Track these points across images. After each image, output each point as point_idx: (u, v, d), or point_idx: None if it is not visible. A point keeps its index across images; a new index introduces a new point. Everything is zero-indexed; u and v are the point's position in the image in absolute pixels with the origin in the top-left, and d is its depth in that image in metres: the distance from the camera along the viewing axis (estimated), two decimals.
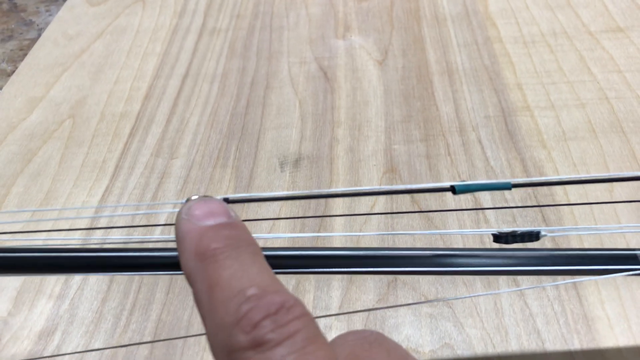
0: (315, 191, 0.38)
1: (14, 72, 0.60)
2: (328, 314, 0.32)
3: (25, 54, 0.63)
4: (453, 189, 0.23)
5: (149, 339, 0.32)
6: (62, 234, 0.37)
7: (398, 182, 0.39)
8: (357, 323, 0.32)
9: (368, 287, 0.34)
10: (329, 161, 0.42)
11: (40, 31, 0.67)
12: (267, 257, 0.25)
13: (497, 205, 0.37)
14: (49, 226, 0.39)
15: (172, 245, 0.26)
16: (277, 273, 0.27)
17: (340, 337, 0.19)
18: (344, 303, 0.33)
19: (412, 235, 0.35)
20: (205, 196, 0.22)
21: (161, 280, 0.35)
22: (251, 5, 0.62)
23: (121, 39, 0.59)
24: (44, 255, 0.25)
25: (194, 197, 0.23)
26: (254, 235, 0.21)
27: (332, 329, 0.32)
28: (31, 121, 0.49)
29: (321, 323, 0.32)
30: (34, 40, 0.65)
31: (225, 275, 0.18)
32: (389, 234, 0.35)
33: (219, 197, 0.25)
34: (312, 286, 0.34)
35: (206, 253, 0.18)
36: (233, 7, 0.62)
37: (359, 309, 0.33)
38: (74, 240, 0.37)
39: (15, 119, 0.50)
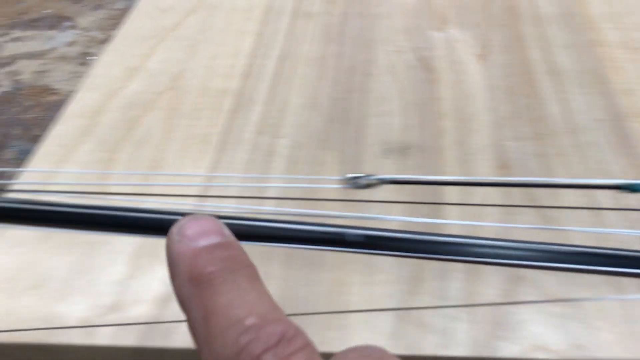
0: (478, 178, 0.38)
1: (105, 40, 0.61)
2: (450, 304, 0.32)
3: (115, 23, 0.63)
4: (631, 188, 0.23)
5: None
6: (175, 199, 0.38)
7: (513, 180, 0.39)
8: (482, 316, 0.32)
9: (489, 281, 0.33)
10: (438, 152, 0.42)
11: (128, 2, 0.67)
12: (380, 239, 0.25)
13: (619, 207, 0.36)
14: (158, 192, 0.39)
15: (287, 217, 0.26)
16: (390, 255, 0.27)
17: (340, 354, 0.18)
18: (464, 295, 0.33)
19: (530, 231, 0.35)
20: (197, 214, 0.20)
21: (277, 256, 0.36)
22: None
23: (214, 16, 0.59)
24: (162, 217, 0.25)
25: (186, 219, 0.20)
26: (371, 215, 0.20)
27: (456, 320, 0.32)
28: (132, 90, 0.50)
29: (442, 313, 0.32)
30: (123, 10, 0.66)
31: (222, 302, 0.17)
32: (506, 226, 0.35)
33: (383, 177, 0.25)
34: (431, 276, 0.34)
35: (201, 277, 0.18)
36: None
37: (480, 302, 0.33)
38: (186, 205, 0.37)
39: (115, 86, 0.50)
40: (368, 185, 0.24)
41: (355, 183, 0.24)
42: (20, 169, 0.43)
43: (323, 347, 0.31)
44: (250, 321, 0.16)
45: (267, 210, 0.29)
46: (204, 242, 0.19)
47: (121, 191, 0.38)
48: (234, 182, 0.40)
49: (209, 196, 0.40)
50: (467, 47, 0.53)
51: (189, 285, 0.18)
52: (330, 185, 0.38)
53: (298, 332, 0.17)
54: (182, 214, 0.27)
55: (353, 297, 0.33)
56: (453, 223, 0.37)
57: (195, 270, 0.18)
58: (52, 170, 0.41)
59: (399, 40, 0.54)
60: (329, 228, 0.26)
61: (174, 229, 0.19)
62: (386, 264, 0.35)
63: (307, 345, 0.16)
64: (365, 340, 0.31)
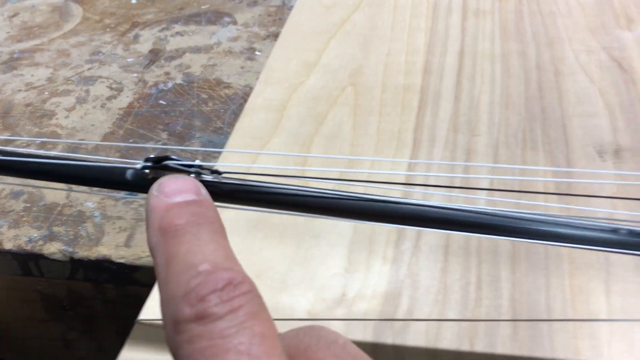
0: None
1: (267, 36, 0.61)
2: None
3: (274, 20, 0.64)
4: None
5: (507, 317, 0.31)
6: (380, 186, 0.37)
7: None
8: None
9: None
10: None
11: None
12: None
13: None
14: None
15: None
16: None
17: (295, 331, 0.20)
18: None
19: None
20: (178, 175, 0.22)
21: (502, 259, 0.34)
22: None
23: (381, 12, 0.58)
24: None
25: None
26: None
27: None
28: (312, 85, 0.49)
29: None
30: (279, 8, 0.66)
31: (182, 250, 0.18)
32: None
33: None
34: None
35: (168, 228, 0.19)
36: None
37: None
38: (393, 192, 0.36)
39: (294, 81, 0.50)
40: None
41: None
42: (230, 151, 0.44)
43: (575, 355, 0.29)
44: (203, 267, 0.18)
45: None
46: (178, 198, 0.20)
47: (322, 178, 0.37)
48: (442, 172, 0.39)
49: (416, 184, 0.38)
50: None
51: (158, 234, 0.19)
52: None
53: (245, 280, 0.18)
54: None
55: (599, 307, 0.31)
56: None
57: (164, 222, 0.19)
58: (257, 152, 0.41)
59: (585, 39, 0.51)
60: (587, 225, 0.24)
61: (154, 186, 0.21)
62: (627, 273, 0.32)
63: (251, 290, 0.18)
64: (620, 353, 0.29)
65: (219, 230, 0.20)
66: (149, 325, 0.32)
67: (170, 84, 0.54)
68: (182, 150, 0.46)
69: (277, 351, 0.17)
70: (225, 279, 0.17)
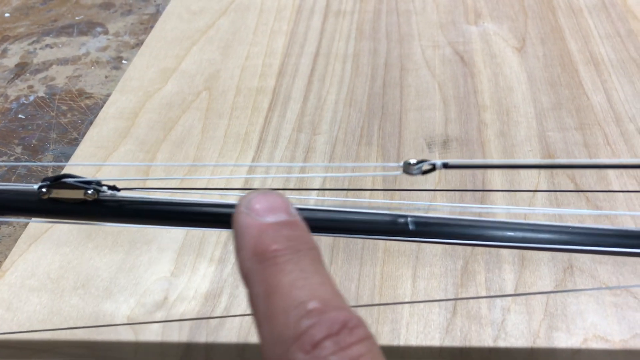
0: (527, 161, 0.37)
1: (137, 44, 0.61)
2: (505, 294, 0.32)
3: (146, 28, 0.64)
4: None
5: None
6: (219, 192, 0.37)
7: (559, 169, 0.38)
8: (537, 307, 0.31)
9: (542, 272, 0.33)
10: (480, 144, 0.41)
11: (157, 7, 0.67)
12: (430, 225, 0.24)
13: None
14: (203, 186, 0.39)
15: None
16: (441, 243, 0.25)
17: None
18: (519, 286, 0.32)
19: (580, 217, 0.34)
20: (266, 190, 0.20)
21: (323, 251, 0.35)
22: None
23: (246, 17, 0.59)
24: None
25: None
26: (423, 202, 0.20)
27: (510, 312, 0.31)
28: (167, 91, 0.49)
29: (498, 305, 0.31)
30: (153, 15, 0.66)
31: (286, 281, 0.17)
32: (555, 212, 0.34)
33: (440, 161, 0.24)
34: (481, 267, 0.33)
35: (265, 254, 0.17)
36: None
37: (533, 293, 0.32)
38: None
39: (150, 88, 0.50)
40: (427, 171, 0.23)
41: (416, 169, 0.23)
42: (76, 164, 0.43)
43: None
44: (312, 305, 0.16)
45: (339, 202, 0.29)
46: (271, 218, 0.18)
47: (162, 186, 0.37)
48: (279, 173, 0.40)
49: (255, 188, 0.39)
50: (504, 40, 0.52)
51: (253, 259, 0.17)
52: (386, 173, 0.38)
53: (360, 323, 0.16)
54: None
55: (404, 291, 0.33)
56: (504, 210, 0.36)
57: (260, 246, 0.17)
58: (100, 163, 0.41)
59: (434, 35, 0.53)
60: (373, 216, 0.26)
61: (243, 202, 0.19)
62: (435, 258, 0.34)
63: (369, 337, 0.16)
64: (416, 334, 0.31)
65: (319, 258, 0.18)
66: None
67: (32, 97, 0.54)
68: (32, 165, 0.45)
69: None
70: (340, 321, 0.15)
